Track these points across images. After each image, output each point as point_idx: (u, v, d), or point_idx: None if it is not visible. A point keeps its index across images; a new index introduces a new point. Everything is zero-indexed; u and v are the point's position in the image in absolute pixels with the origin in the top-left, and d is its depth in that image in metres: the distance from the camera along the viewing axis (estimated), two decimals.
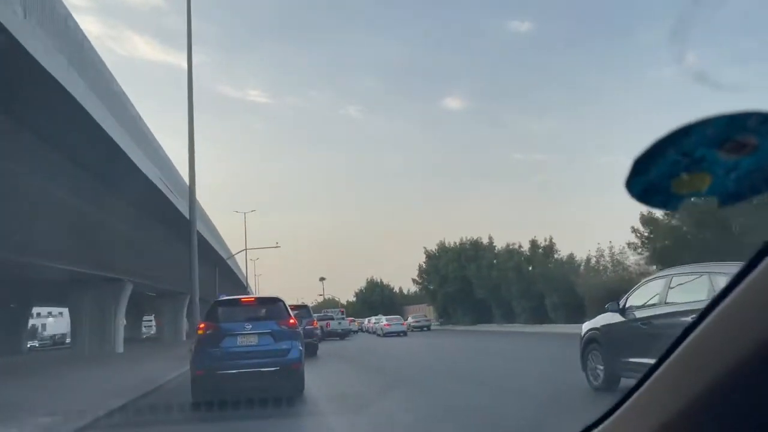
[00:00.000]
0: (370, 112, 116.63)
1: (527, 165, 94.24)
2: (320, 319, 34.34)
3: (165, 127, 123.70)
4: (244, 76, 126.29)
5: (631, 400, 0.97)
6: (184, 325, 51.58)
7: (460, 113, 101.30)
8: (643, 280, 8.49)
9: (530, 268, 35.25)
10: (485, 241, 45.09)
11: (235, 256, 44.47)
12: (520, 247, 38.64)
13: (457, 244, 47.17)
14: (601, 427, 1.04)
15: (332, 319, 40.03)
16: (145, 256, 30.23)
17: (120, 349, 29.35)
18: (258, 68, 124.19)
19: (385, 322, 39.90)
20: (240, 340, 9.18)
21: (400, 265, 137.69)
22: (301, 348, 9.54)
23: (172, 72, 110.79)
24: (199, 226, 30.69)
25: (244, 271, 59.77)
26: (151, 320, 75.89)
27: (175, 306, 50.43)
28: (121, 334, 30.26)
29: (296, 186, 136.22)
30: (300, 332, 10.24)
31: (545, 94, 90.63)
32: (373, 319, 49.13)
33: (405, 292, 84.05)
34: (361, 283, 79.01)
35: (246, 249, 41.21)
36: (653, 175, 0.70)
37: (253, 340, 9.21)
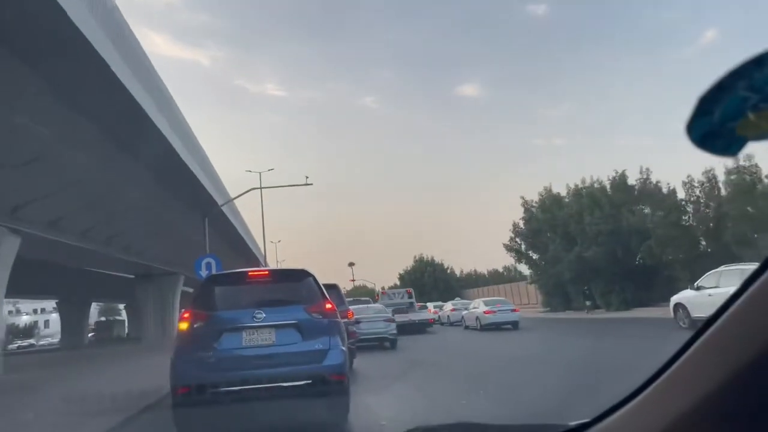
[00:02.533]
0: (387, 102, 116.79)
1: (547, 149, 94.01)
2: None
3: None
4: (260, 70, 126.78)
5: (648, 390, 0.99)
6: (177, 318, 36.58)
7: (477, 100, 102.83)
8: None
9: None
10: (633, 177, 28.46)
11: (253, 223, 29.13)
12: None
13: (579, 186, 30.63)
14: (623, 409, 1.07)
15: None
16: (91, 197, 15.26)
17: None
18: (273, 62, 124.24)
19: (484, 308, 24.53)
20: (247, 338, 5.69)
21: (437, 247, 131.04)
22: (343, 348, 5.83)
23: (188, 67, 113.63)
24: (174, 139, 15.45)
25: (262, 252, 44.43)
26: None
27: (162, 291, 35.11)
28: None
29: (316, 177, 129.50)
30: (341, 323, 6.09)
31: (562, 78, 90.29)
32: (449, 305, 33.56)
33: (458, 273, 71.65)
34: (394, 266, 65.52)
35: (261, 188, 25.56)
36: (718, 116, 0.62)
37: (268, 337, 5.69)
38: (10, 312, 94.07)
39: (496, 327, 23.45)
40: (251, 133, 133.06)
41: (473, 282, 70.82)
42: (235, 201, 35.17)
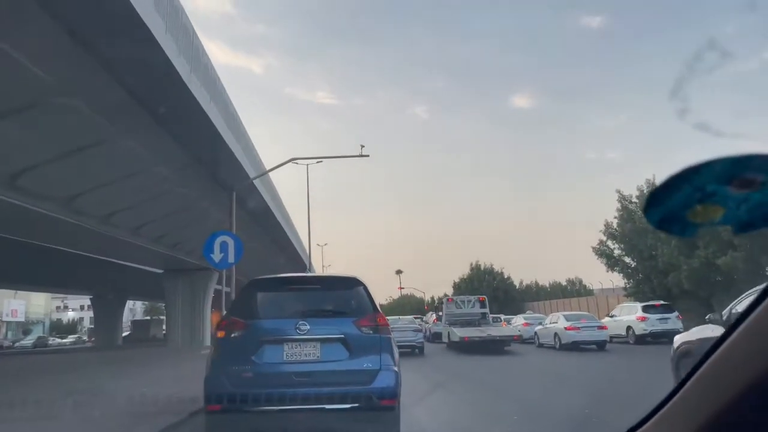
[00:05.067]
0: (439, 112, 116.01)
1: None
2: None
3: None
4: (312, 78, 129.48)
5: (669, 404, 1.02)
6: (208, 319, 32.22)
7: (529, 111, 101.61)
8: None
9: None
10: None
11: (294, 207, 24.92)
12: None
13: None
14: (644, 427, 1.10)
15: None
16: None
17: None
18: (325, 71, 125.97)
19: (566, 324, 20.56)
20: (288, 352, 5.20)
21: (491, 257, 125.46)
22: (395, 368, 5.26)
23: (245, 75, 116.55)
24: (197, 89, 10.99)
25: (306, 252, 40.05)
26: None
27: (193, 288, 30.85)
28: None
29: (365, 183, 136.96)
30: (393, 340, 5.52)
31: (617, 90, 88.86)
32: (519, 318, 28.33)
33: (517, 284, 66.17)
34: (444, 274, 61.26)
35: (306, 158, 20.50)
36: (669, 206, 0.76)
37: (313, 352, 5.21)
38: (57, 308, 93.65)
39: (575, 347, 19.58)
40: (300, 139, 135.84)
41: (534, 295, 65.21)
42: (284, 206, 31.12)
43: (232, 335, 5.27)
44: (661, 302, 21.00)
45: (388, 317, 17.47)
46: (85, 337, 67.65)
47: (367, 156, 17.99)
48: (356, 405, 4.92)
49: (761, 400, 0.78)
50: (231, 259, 11.40)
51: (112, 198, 14.97)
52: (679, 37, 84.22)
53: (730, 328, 0.85)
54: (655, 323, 19.60)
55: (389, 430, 5.12)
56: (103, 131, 11.39)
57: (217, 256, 11.36)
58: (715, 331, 7.45)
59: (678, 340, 8.37)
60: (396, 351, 5.49)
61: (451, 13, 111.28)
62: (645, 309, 20.35)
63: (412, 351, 18.74)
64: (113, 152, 12.37)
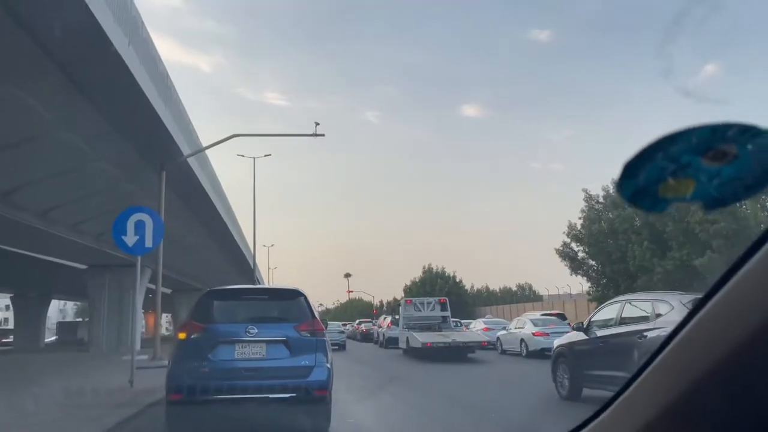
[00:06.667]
0: (389, 118, 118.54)
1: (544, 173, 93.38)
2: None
3: None
4: (263, 79, 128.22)
5: (618, 401, 1.00)
6: (141, 320, 29.11)
7: (478, 120, 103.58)
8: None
9: None
10: None
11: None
12: None
13: None
14: (589, 426, 1.08)
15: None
16: None
17: None
18: (277, 72, 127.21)
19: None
20: (239, 351, 6.24)
21: (442, 262, 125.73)
22: (329, 366, 6.33)
23: (192, 72, 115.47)
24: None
25: (257, 261, 37.50)
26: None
27: (121, 287, 27.91)
28: None
29: (315, 188, 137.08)
30: (327, 342, 6.64)
31: (564, 104, 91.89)
32: (479, 323, 26.82)
33: (468, 289, 65.36)
34: (393, 278, 60.30)
35: (259, 135, 17.94)
36: (643, 179, 0.74)
37: (259, 351, 6.27)
38: None
39: (542, 354, 17.67)
40: (249, 139, 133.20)
41: (485, 299, 64.38)
42: (228, 200, 28.71)
43: (192, 336, 6.22)
44: (557, 312, 25.62)
45: None
46: None
47: (322, 135, 15.83)
48: (294, 395, 5.89)
49: (719, 389, 0.76)
50: (148, 243, 8.97)
51: (8, 171, 12.19)
52: (624, 56, 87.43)
53: (684, 321, 0.83)
54: None
55: (322, 416, 6.14)
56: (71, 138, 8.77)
57: (130, 238, 8.90)
58: (579, 336, 8.91)
59: (555, 343, 9.97)
60: (330, 351, 6.45)
61: (403, 22, 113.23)
62: (542, 317, 23.11)
63: (339, 348, 23.20)
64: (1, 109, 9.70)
